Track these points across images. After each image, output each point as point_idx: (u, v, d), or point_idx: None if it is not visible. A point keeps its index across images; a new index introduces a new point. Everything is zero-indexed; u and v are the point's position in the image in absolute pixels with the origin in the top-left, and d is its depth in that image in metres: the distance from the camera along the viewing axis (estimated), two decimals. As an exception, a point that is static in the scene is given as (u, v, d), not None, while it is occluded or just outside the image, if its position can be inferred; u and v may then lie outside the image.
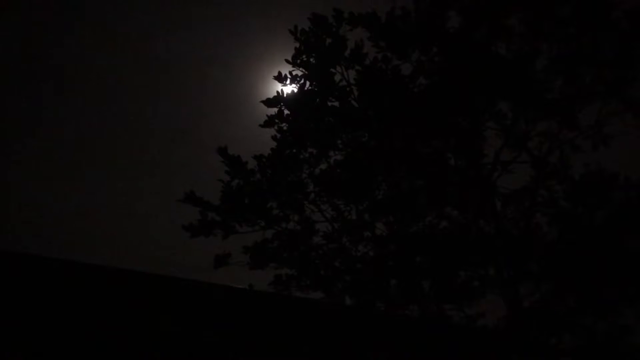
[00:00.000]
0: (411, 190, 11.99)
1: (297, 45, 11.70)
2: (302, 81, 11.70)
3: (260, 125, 12.32)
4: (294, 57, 11.76)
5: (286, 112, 11.71)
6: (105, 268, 10.68)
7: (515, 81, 10.62)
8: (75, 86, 20.71)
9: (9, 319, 9.09)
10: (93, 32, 20.27)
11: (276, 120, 11.77)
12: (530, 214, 10.92)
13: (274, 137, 12.35)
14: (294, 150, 12.07)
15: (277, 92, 11.64)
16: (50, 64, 19.98)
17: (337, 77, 11.58)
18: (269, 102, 11.73)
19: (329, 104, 11.63)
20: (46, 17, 19.43)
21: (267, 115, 12.31)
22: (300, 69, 11.73)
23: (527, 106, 10.83)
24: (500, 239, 10.82)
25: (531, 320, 11.27)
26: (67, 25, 19.65)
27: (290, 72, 11.82)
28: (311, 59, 11.64)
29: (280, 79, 11.73)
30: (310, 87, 11.69)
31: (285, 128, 12.01)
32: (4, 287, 9.31)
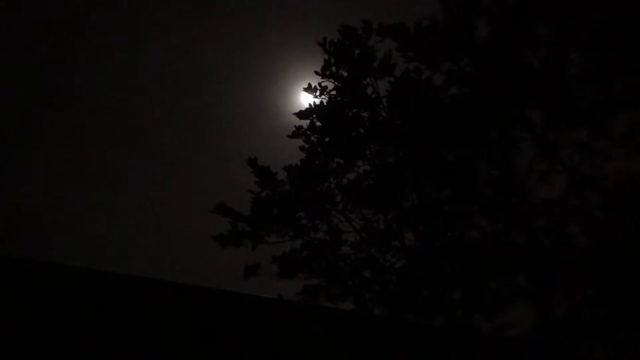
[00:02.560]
0: (439, 200, 11.99)
1: (326, 57, 11.83)
2: (331, 92, 11.82)
3: (289, 136, 12.44)
4: (323, 68, 11.88)
5: (318, 123, 11.80)
6: (131, 277, 10.77)
7: (546, 90, 10.59)
8: (92, 94, 20.97)
9: (30, 329, 9.21)
10: (113, 42, 20.54)
11: (308, 132, 11.88)
12: (562, 224, 10.85)
13: (301, 148, 12.44)
14: (323, 161, 12.14)
15: (310, 104, 11.77)
16: (63, 70, 20.25)
17: (367, 88, 11.66)
18: (302, 114, 11.86)
19: (362, 114, 11.71)
20: (64, 26, 19.74)
21: (295, 126, 12.43)
22: (330, 80, 11.84)
23: (557, 115, 10.79)
24: (531, 248, 10.75)
25: (562, 330, 11.17)
26: (83, 32, 19.94)
27: (319, 84, 11.96)
28: (341, 71, 11.73)
29: (310, 90, 11.85)
30: (339, 98, 11.78)
31: (314, 139, 12.09)
32: (27, 296, 9.43)
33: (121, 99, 20.91)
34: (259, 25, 20.26)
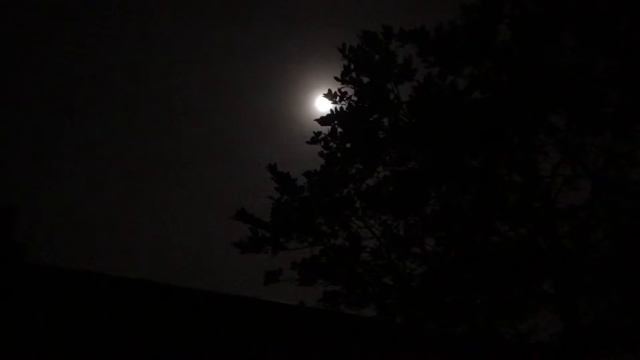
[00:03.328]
0: (460, 205, 11.89)
1: (345, 62, 11.80)
2: (351, 98, 11.78)
3: (307, 142, 12.41)
4: (343, 74, 11.84)
5: (339, 129, 11.75)
6: (150, 283, 10.75)
7: (569, 93, 10.47)
8: (115, 104, 21.25)
9: (58, 333, 9.20)
10: (135, 55, 20.80)
11: (328, 138, 11.85)
12: (587, 229, 10.70)
13: (320, 154, 12.40)
14: (343, 167, 12.08)
15: (331, 110, 11.72)
16: (92, 83, 20.55)
17: (389, 93, 11.58)
18: (323, 120, 11.83)
19: (382, 119, 11.65)
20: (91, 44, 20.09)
21: (313, 132, 12.41)
22: (350, 85, 11.80)
23: (581, 119, 10.66)
24: (556, 254, 10.61)
25: (587, 337, 11.02)
26: (109, 46, 20.22)
27: (339, 90, 11.92)
28: (361, 76, 11.68)
29: (331, 96, 11.81)
30: (359, 104, 11.73)
31: (333, 145, 12.04)
32: (52, 302, 9.43)
33: (139, 108, 21.15)
34: (273, 34, 20.44)
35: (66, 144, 20.18)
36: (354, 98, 11.84)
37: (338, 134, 11.77)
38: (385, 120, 11.74)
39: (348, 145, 11.82)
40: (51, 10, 19.00)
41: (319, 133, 12.36)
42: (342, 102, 11.83)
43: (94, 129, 20.47)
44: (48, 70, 20.07)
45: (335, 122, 11.69)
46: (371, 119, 11.68)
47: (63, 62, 20.04)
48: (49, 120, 20.21)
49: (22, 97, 19.59)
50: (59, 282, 9.79)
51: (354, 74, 11.78)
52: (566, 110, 10.71)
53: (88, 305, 9.78)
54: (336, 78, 11.86)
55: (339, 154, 12.03)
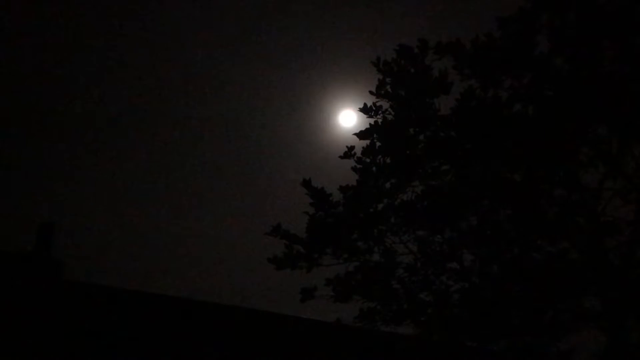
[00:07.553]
0: (498, 220, 11.68)
1: (380, 76, 11.74)
2: (387, 111, 11.70)
3: (340, 157, 12.34)
4: (378, 88, 11.76)
5: (378, 143, 11.65)
6: (187, 301, 10.73)
7: (611, 104, 10.27)
8: (151, 125, 21.79)
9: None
10: (164, 80, 21.42)
11: (366, 152, 11.75)
12: (635, 243, 10.41)
13: (353, 168, 12.31)
14: (377, 181, 11.96)
15: (370, 124, 11.63)
16: (128, 108, 21.18)
17: (429, 107, 11.47)
18: (363, 134, 11.74)
19: (420, 133, 11.55)
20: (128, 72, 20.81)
21: (346, 147, 12.33)
22: (385, 100, 11.72)
23: (624, 130, 10.43)
24: (602, 269, 10.33)
25: (635, 355, 10.69)
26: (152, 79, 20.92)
27: (374, 104, 11.84)
28: (398, 90, 11.59)
29: (366, 110, 11.73)
30: (397, 117, 11.64)
31: (367, 160, 11.94)
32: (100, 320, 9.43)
33: (173, 132, 21.69)
34: (297, 56, 20.83)
35: (104, 163, 20.68)
36: (390, 112, 11.75)
37: (379, 149, 11.65)
38: (423, 134, 11.60)
39: (388, 159, 11.69)
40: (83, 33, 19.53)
41: (352, 147, 12.27)
42: (378, 116, 11.78)
43: (133, 150, 21.00)
44: (81, 93, 20.63)
45: (375, 135, 11.59)
46: (410, 133, 11.58)
47: (98, 88, 20.60)
48: (87, 140, 20.74)
49: (62, 120, 20.15)
50: (97, 299, 9.78)
51: (389, 88, 11.73)
52: (609, 122, 10.49)
53: (127, 322, 9.75)
54: (371, 92, 11.77)
55: (373, 168, 11.93)
